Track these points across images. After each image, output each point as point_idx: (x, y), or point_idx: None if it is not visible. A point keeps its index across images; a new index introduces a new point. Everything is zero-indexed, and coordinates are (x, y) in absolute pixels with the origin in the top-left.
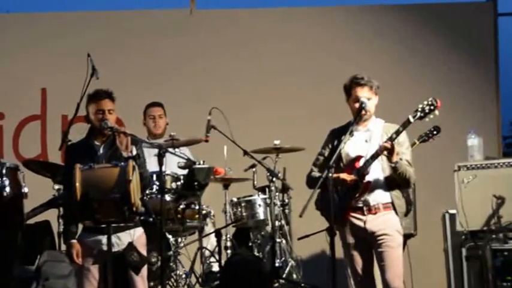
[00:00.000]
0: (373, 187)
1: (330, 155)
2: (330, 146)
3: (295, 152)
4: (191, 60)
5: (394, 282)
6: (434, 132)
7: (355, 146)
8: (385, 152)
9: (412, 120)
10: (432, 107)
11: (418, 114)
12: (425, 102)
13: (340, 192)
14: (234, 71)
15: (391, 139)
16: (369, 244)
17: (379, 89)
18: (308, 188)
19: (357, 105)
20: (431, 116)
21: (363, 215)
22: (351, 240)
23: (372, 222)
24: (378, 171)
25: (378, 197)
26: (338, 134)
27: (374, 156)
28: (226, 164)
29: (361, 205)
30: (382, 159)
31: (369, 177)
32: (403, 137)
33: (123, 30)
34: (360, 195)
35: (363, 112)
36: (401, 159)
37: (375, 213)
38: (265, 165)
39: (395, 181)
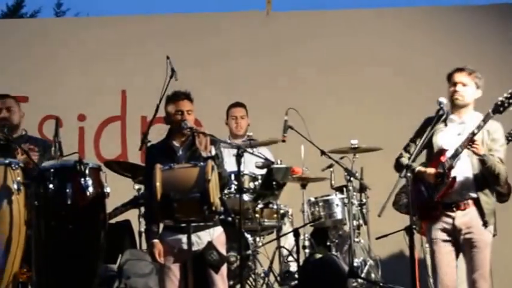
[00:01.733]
0: (463, 183)
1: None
2: (423, 135)
3: (373, 152)
4: (268, 61)
5: (479, 282)
6: None
7: (448, 138)
8: (471, 147)
9: (492, 114)
10: None
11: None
12: (506, 95)
13: (429, 188)
14: (311, 72)
15: (473, 133)
16: (456, 241)
17: (480, 81)
18: (396, 171)
19: (452, 89)
20: None
21: (452, 211)
22: (437, 236)
23: (461, 219)
24: (467, 167)
25: (467, 194)
26: (432, 123)
27: (458, 151)
28: (304, 163)
29: (449, 201)
30: (471, 155)
31: (455, 173)
32: (499, 134)
33: (201, 32)
34: (446, 191)
35: (455, 96)
36: (492, 155)
37: (464, 209)
38: (343, 165)
39: (485, 178)
